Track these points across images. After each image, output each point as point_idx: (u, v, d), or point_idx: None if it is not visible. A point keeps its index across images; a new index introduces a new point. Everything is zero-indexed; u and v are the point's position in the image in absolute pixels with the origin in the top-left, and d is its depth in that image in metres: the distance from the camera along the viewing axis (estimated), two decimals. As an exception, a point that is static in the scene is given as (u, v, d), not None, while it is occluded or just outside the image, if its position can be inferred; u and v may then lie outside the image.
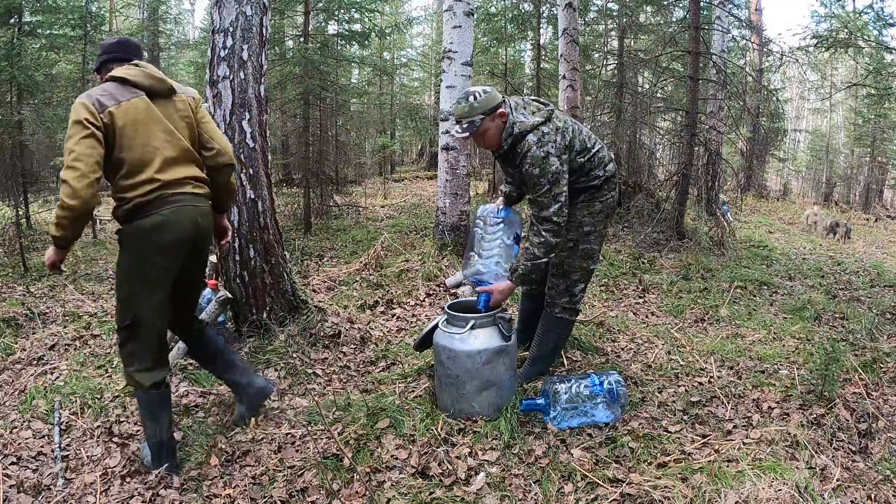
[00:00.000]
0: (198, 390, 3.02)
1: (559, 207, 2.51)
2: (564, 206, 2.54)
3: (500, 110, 2.53)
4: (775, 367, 3.24)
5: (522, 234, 2.95)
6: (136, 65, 2.23)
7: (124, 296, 2.22)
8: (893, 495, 2.09)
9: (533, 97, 2.78)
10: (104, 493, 2.23)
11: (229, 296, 3.41)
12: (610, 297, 4.71)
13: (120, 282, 2.25)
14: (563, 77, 7.39)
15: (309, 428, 2.62)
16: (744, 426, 2.57)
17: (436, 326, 2.75)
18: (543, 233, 2.54)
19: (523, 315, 3.28)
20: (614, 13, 10.90)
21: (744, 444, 2.37)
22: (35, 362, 3.38)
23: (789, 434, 2.42)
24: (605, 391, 2.54)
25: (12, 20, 6.94)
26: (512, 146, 2.58)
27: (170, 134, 2.20)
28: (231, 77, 3.32)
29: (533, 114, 2.60)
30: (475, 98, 2.50)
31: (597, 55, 11.33)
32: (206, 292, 3.49)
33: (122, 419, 2.77)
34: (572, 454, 2.36)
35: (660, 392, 2.91)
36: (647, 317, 4.26)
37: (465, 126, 2.52)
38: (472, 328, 2.57)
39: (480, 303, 2.70)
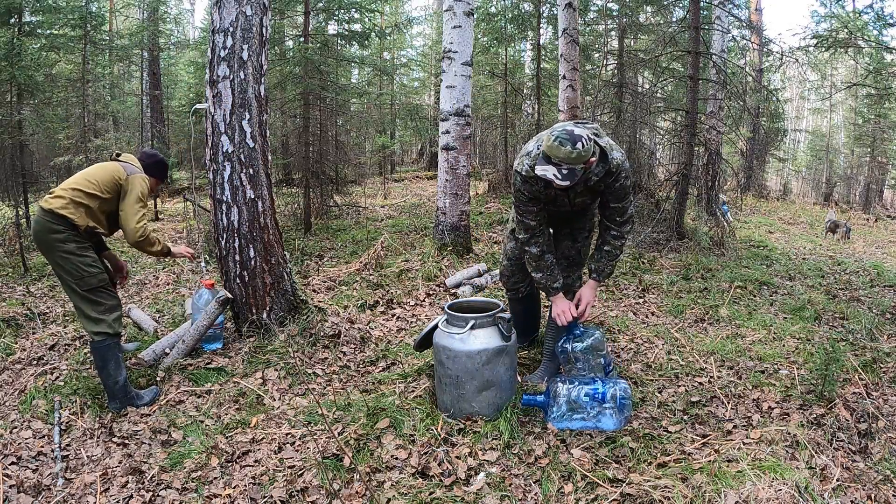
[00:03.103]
0: (197, 390, 3.02)
1: (633, 204, 2.72)
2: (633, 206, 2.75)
3: (592, 158, 2.43)
4: (775, 367, 3.24)
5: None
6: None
7: None
8: (893, 495, 2.09)
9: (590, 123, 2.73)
10: (104, 493, 2.23)
11: (229, 296, 3.40)
12: (610, 297, 4.71)
13: None
14: (563, 77, 7.39)
15: (309, 428, 2.62)
16: (744, 426, 2.57)
17: (436, 326, 2.74)
18: (626, 235, 2.73)
19: (518, 319, 3.26)
20: (614, 13, 10.88)
21: (744, 444, 2.37)
22: (35, 362, 3.38)
23: (789, 434, 2.42)
24: (609, 398, 2.52)
25: (12, 20, 6.94)
26: (607, 171, 2.56)
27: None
28: (231, 77, 3.32)
29: (595, 134, 2.56)
30: (584, 146, 2.30)
31: (597, 55, 11.32)
32: (203, 292, 3.49)
33: (121, 419, 2.77)
34: (572, 454, 2.36)
35: (660, 392, 2.91)
36: (647, 317, 4.26)
37: (565, 173, 2.32)
38: (472, 328, 2.57)
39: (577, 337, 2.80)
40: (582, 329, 2.84)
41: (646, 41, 11.64)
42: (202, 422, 2.73)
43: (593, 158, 2.43)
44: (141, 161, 3.14)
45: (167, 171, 3.31)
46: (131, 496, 2.20)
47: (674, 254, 6.33)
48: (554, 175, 2.31)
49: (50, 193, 2.87)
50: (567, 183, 2.32)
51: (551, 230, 3.00)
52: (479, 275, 5.06)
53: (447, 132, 5.62)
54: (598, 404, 2.51)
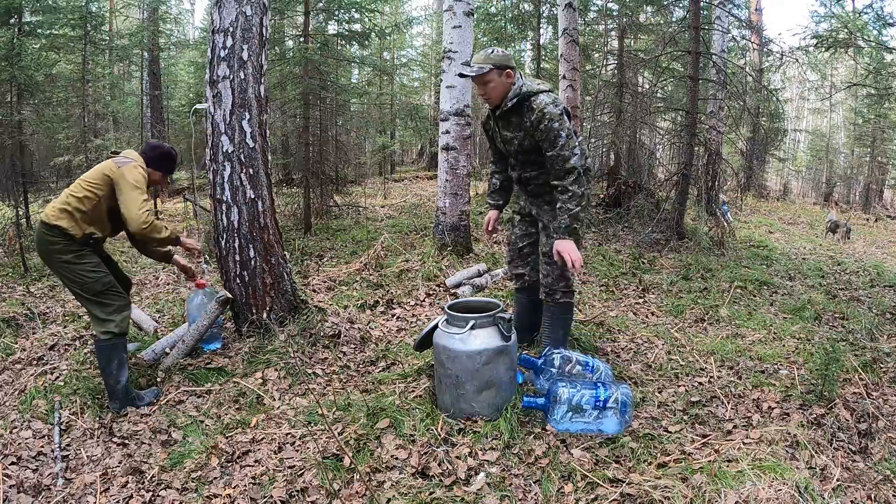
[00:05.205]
0: (197, 390, 3.02)
1: (579, 156, 2.71)
2: (582, 155, 2.76)
3: (509, 71, 2.73)
4: (775, 367, 3.24)
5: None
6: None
7: None
8: (893, 495, 2.09)
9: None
10: (104, 493, 2.23)
11: (229, 296, 3.40)
12: (610, 297, 4.71)
13: None
14: (563, 77, 7.40)
15: (309, 428, 2.62)
16: (744, 426, 2.57)
17: (436, 326, 2.74)
18: (570, 186, 2.71)
19: (521, 311, 3.33)
20: (614, 13, 10.89)
21: (744, 444, 2.37)
22: (35, 362, 3.38)
23: (789, 434, 2.42)
24: (612, 403, 2.51)
25: (12, 20, 6.94)
26: (518, 105, 2.76)
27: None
28: (231, 77, 3.32)
29: (539, 84, 2.82)
30: (493, 52, 2.75)
31: (597, 55, 11.32)
32: (197, 293, 3.49)
33: (121, 419, 2.77)
34: (572, 454, 2.36)
35: (660, 392, 2.91)
36: (647, 317, 4.26)
37: (474, 69, 2.71)
38: (472, 328, 2.57)
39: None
40: (541, 360, 2.87)
41: (646, 41, 11.64)
42: (202, 422, 2.73)
43: (507, 79, 2.72)
44: (144, 154, 3.04)
45: (174, 164, 3.15)
46: (131, 496, 2.20)
47: (674, 254, 6.33)
48: (463, 68, 2.79)
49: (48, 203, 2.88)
50: (467, 72, 2.72)
51: (534, 216, 3.11)
52: (479, 275, 5.06)
53: (447, 132, 5.61)
54: (600, 409, 2.50)
